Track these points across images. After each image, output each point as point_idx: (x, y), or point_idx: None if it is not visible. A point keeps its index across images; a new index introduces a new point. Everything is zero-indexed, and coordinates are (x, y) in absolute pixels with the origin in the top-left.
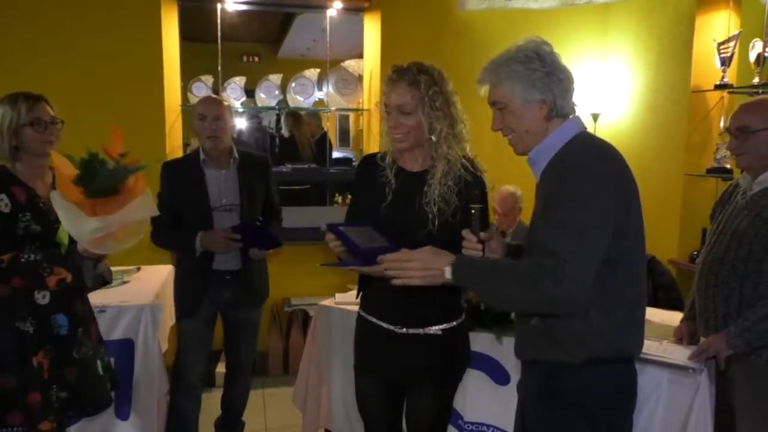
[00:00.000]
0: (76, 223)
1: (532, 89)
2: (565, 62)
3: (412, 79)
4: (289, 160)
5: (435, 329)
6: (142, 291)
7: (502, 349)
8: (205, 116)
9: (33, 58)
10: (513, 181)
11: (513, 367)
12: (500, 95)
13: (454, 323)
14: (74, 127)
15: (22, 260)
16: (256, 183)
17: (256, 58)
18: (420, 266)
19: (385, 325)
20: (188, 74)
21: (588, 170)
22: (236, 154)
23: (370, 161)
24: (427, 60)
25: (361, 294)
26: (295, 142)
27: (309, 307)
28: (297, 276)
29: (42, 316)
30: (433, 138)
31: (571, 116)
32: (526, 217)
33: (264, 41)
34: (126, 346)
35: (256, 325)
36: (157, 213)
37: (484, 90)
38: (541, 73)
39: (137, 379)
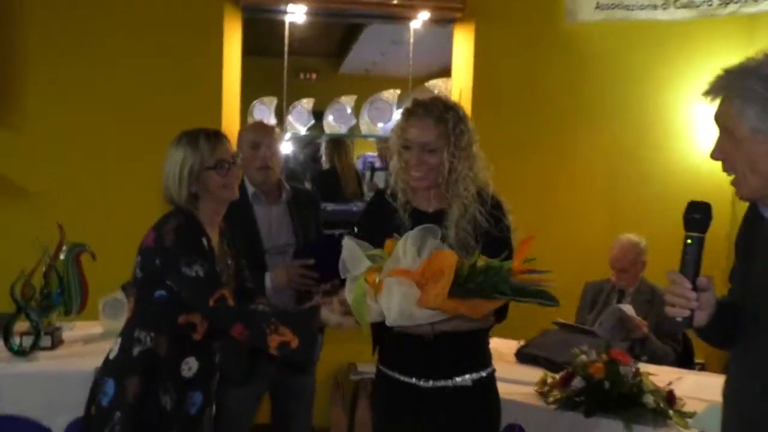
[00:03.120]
0: (405, 307)
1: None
2: (698, 84)
3: (439, 116)
4: (328, 199)
5: (464, 379)
6: None
7: None
8: (259, 144)
9: (82, 68)
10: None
11: None
12: (727, 115)
13: (484, 373)
14: (123, 154)
15: (251, 307)
16: (307, 220)
17: (314, 75)
18: None
19: (408, 379)
20: (244, 94)
21: None
22: (287, 186)
23: (382, 199)
24: (527, 80)
25: (378, 348)
26: (336, 174)
27: None
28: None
29: (182, 391)
30: (453, 177)
31: None
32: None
33: (323, 55)
34: None
35: (312, 391)
36: None
37: (712, 103)
38: None
39: None
